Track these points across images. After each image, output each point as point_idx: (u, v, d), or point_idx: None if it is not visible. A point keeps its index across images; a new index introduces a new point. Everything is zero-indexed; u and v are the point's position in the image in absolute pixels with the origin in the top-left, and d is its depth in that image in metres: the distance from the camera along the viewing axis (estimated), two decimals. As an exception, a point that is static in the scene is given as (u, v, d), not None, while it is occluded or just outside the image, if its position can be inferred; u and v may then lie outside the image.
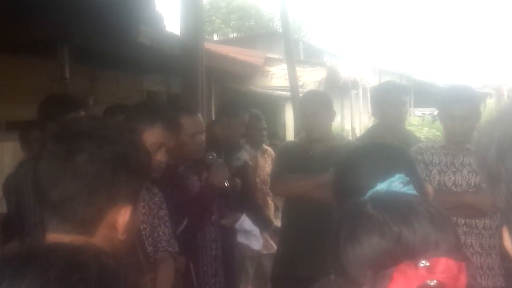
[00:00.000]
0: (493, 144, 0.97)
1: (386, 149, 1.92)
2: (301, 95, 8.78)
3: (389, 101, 4.37)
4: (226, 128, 4.91)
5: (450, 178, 3.81)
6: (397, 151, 1.88)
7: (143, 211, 3.01)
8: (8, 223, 2.28)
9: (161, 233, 3.11)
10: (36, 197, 1.48)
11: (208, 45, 10.24)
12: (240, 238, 4.67)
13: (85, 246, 0.87)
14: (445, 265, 1.20)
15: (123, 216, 1.45)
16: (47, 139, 1.45)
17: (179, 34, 6.62)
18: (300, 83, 11.84)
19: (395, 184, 1.51)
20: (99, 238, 1.42)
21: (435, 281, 1.18)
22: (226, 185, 3.83)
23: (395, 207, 1.33)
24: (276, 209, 5.90)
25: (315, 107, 4.23)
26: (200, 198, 3.68)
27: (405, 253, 1.25)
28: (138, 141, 1.55)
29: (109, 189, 1.42)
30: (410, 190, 1.51)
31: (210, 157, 3.87)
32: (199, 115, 3.85)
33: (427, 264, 1.20)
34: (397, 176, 1.51)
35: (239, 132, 5.05)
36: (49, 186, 1.41)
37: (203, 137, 3.79)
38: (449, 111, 3.79)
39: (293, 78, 9.83)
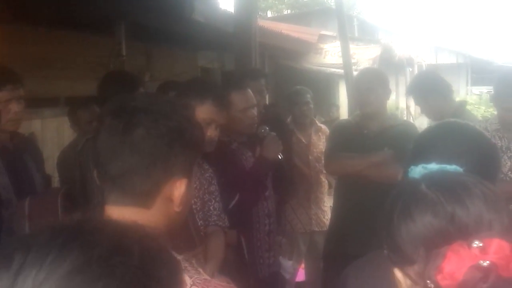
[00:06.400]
0: None
1: (459, 129, 1.92)
2: (354, 72, 8.74)
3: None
4: None
5: (506, 163, 3.71)
6: (468, 132, 1.88)
7: (194, 186, 3.06)
8: (69, 198, 2.35)
9: (211, 207, 3.15)
10: (96, 170, 1.53)
11: (262, 22, 10.24)
12: None
13: (132, 228, 0.88)
14: (498, 245, 1.20)
15: (179, 189, 1.49)
16: (105, 115, 1.49)
17: (233, 11, 6.64)
18: (354, 61, 11.72)
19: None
20: (156, 210, 1.47)
21: (488, 262, 1.18)
22: (280, 158, 3.83)
23: (449, 187, 1.34)
24: (330, 186, 5.90)
25: (369, 82, 4.21)
26: (254, 173, 3.71)
27: (458, 232, 1.25)
28: (192, 116, 1.59)
29: (165, 162, 1.46)
30: None
31: (263, 130, 3.87)
32: (249, 90, 3.85)
33: (480, 244, 1.20)
34: (454, 166, 1.50)
35: None
36: (108, 160, 1.46)
37: (254, 112, 3.79)
38: (504, 103, 3.69)
39: (346, 55, 9.72)
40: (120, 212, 1.44)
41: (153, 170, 1.45)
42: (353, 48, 11.76)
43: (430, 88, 4.51)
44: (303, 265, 6.01)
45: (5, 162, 3.14)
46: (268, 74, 6.23)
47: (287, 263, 4.39)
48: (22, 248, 0.78)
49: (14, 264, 0.76)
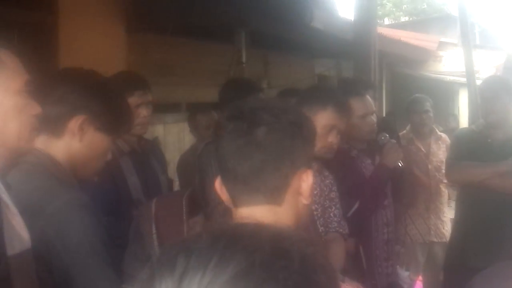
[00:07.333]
0: None
1: None
2: (477, 80, 8.47)
3: None
4: None
5: None
6: None
7: (315, 192, 3.07)
8: (193, 200, 2.42)
9: (331, 214, 3.14)
10: (223, 176, 1.56)
11: (379, 29, 10.16)
12: None
13: (286, 231, 0.87)
14: None
15: (306, 181, 1.52)
16: (225, 120, 1.54)
17: (352, 19, 6.62)
18: (475, 69, 11.39)
19: None
20: (287, 206, 1.51)
21: None
22: (400, 165, 3.76)
23: None
24: (449, 197, 5.75)
25: (495, 90, 4.08)
26: (373, 180, 3.66)
27: None
28: (303, 111, 1.65)
29: (291, 155, 1.49)
30: None
31: (383, 137, 3.81)
32: (368, 96, 3.82)
33: None
34: None
35: None
36: (237, 162, 1.49)
37: (374, 118, 3.74)
38: None
39: (469, 63, 9.44)
40: (252, 212, 1.48)
41: (282, 164, 1.49)
42: (474, 55, 11.43)
43: None
44: (420, 277, 5.87)
45: (134, 164, 3.27)
46: (387, 82, 6.17)
47: (404, 273, 4.33)
48: (184, 252, 0.79)
49: (177, 267, 0.77)
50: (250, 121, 1.49)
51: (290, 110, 1.55)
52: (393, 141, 3.79)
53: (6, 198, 1.54)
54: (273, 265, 0.77)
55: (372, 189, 3.62)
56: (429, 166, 5.70)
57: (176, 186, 4.93)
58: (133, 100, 3.10)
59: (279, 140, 1.48)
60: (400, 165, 3.74)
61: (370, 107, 3.75)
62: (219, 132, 1.56)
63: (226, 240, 0.80)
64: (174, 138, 6.73)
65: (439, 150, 5.74)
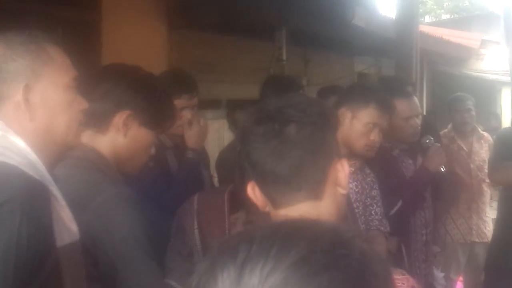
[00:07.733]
0: None
1: None
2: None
3: None
4: None
5: None
6: None
7: (356, 190, 3.06)
8: (235, 196, 2.43)
9: (373, 212, 3.13)
10: (260, 181, 1.55)
11: (420, 27, 10.06)
12: None
13: (343, 226, 0.88)
14: None
15: (342, 170, 1.51)
16: (253, 124, 1.51)
17: (393, 17, 6.57)
18: (518, 67, 11.19)
19: None
20: (328, 199, 1.50)
21: None
22: (443, 170, 3.70)
23: None
24: (491, 197, 5.66)
25: None
26: (413, 182, 3.62)
27: None
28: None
29: (324, 146, 1.49)
30: None
31: (427, 140, 3.76)
32: (415, 98, 3.76)
33: None
34: None
35: None
36: (276, 163, 1.47)
37: (418, 121, 3.69)
38: None
39: (513, 61, 9.27)
40: (294, 211, 1.47)
41: (318, 157, 1.48)
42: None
43: None
44: (461, 278, 5.80)
45: (177, 159, 3.30)
46: (428, 80, 6.12)
47: (439, 274, 4.28)
48: (245, 240, 0.80)
49: (239, 255, 0.78)
50: (279, 120, 1.48)
51: (313, 102, 1.56)
52: (438, 144, 3.74)
53: (55, 190, 1.57)
54: (334, 253, 0.78)
55: (412, 191, 3.58)
56: (471, 165, 5.62)
57: (215, 182, 4.95)
58: (179, 102, 3.10)
59: (311, 134, 1.48)
60: (443, 170, 3.68)
61: (416, 109, 3.69)
62: (247, 137, 1.53)
63: (287, 230, 0.81)
64: (214, 134, 6.75)
65: (481, 149, 5.66)
